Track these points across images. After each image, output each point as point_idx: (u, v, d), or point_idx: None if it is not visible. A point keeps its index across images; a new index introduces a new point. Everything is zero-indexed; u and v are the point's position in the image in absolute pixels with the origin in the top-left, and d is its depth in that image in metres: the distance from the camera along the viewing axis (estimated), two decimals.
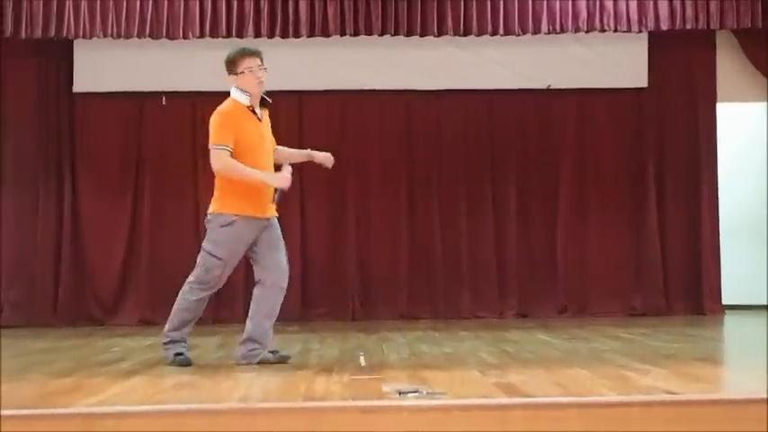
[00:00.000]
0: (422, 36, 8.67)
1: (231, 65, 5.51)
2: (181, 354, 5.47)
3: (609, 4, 8.66)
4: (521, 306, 9.22)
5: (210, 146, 5.42)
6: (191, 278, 5.53)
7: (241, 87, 5.49)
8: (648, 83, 9.32)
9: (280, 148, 5.79)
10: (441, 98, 9.31)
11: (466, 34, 8.67)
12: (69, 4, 8.38)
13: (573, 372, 4.96)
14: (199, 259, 5.51)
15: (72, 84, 9.15)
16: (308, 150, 5.90)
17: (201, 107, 9.02)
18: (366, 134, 9.31)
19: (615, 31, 8.73)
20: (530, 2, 8.61)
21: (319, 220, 9.27)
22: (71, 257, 9.09)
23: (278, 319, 5.61)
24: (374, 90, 9.18)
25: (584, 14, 8.65)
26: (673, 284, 9.29)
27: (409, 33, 8.65)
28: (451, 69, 9.16)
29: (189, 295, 5.50)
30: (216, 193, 5.52)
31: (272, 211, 5.55)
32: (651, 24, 8.72)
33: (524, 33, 8.67)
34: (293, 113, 9.11)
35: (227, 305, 8.76)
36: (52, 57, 9.14)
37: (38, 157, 9.11)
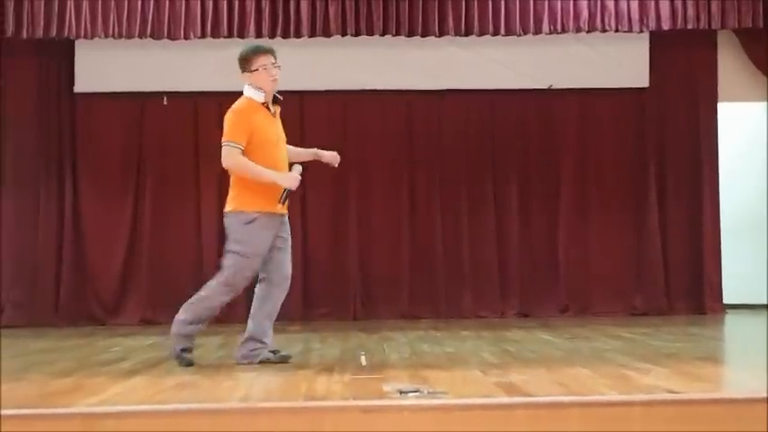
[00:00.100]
0: (423, 36, 8.67)
1: (245, 62, 5.48)
2: (186, 350, 5.40)
3: (610, 4, 8.66)
4: (522, 305, 9.22)
5: (223, 142, 5.38)
6: (220, 279, 5.40)
7: (255, 85, 5.47)
8: (650, 83, 9.32)
9: (287, 146, 5.76)
10: (442, 98, 9.31)
11: (467, 34, 8.67)
12: (71, 4, 8.38)
13: (574, 371, 4.96)
14: (226, 261, 5.41)
15: (73, 84, 9.14)
16: (315, 149, 5.85)
17: (203, 107, 9.07)
18: (367, 134, 9.30)
19: (616, 30, 8.73)
20: (531, 2, 8.61)
21: (321, 219, 9.26)
22: (72, 257, 9.08)
23: (279, 319, 5.61)
24: (375, 90, 9.17)
25: (585, 14, 8.65)
26: (674, 284, 9.29)
27: (411, 33, 8.65)
28: (453, 69, 9.16)
29: (220, 296, 5.42)
30: (232, 191, 5.46)
31: (283, 209, 5.52)
32: (652, 24, 8.73)
33: (526, 33, 8.67)
34: (294, 114, 9.06)
35: (228, 305, 8.64)
36: (53, 57, 9.14)
37: (39, 158, 9.11)
